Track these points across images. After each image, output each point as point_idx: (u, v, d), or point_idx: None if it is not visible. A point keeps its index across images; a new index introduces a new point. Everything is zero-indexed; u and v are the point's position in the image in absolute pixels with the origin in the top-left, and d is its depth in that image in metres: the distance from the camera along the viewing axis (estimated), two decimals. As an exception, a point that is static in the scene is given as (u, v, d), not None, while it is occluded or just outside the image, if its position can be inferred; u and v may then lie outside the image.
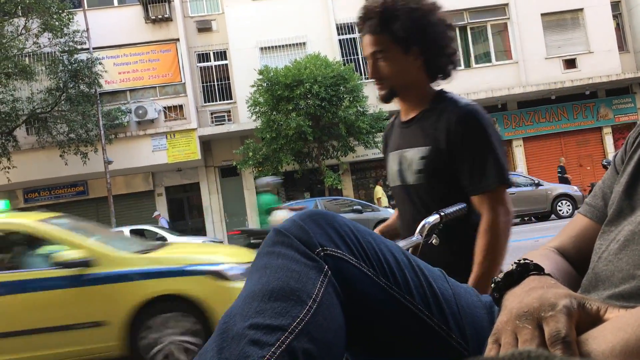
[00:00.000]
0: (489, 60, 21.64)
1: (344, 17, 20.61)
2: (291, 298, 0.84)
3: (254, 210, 19.28)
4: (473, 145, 1.76)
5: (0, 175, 18.48)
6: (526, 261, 0.84)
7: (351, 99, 18.20)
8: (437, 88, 1.95)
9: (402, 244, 1.53)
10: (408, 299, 0.95)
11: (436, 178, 1.83)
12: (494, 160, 1.75)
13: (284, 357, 0.78)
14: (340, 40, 20.91)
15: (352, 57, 20.71)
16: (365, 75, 20.58)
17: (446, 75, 1.94)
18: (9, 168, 18.15)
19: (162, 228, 17.08)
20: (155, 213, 20.16)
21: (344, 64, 19.08)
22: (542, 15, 21.22)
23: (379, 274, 0.95)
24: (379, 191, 19.04)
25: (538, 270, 0.83)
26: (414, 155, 1.87)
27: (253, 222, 20.01)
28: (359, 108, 18.25)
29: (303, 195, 20.73)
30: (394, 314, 0.95)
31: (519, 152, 21.95)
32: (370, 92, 19.53)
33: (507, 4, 21.32)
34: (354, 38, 20.92)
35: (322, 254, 0.92)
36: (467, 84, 20.48)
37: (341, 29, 20.94)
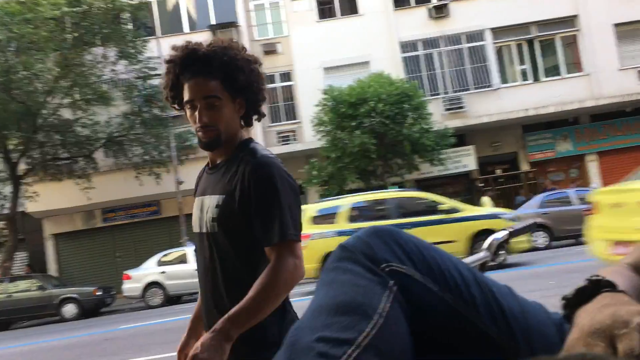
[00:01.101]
0: (558, 74, 21.02)
1: (407, 34, 20.61)
2: (357, 312, 0.86)
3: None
4: (260, 198, 1.75)
5: (81, 195, 19.43)
6: (598, 277, 0.83)
7: (415, 116, 18.08)
8: (245, 136, 1.94)
9: (469, 260, 1.53)
10: (474, 314, 0.95)
11: (229, 227, 1.80)
12: (279, 215, 1.73)
13: None
14: (403, 57, 20.89)
15: (416, 75, 20.63)
16: (429, 91, 20.45)
17: (259, 118, 1.98)
18: (89, 188, 19.10)
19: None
20: (185, 237, 19.34)
21: (408, 82, 19.01)
22: (616, 25, 20.45)
23: (444, 289, 0.96)
24: (486, 202, 17.80)
25: (611, 287, 0.81)
26: (211, 202, 1.85)
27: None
28: (423, 125, 18.09)
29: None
30: (460, 330, 0.95)
31: (593, 167, 21.11)
32: (435, 108, 19.38)
33: (576, 16, 20.70)
34: (417, 55, 20.86)
35: (387, 269, 0.94)
36: (536, 98, 19.97)
37: (405, 46, 20.93)
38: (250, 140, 1.94)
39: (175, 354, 1.94)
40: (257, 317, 1.66)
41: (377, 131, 17.55)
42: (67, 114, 19.07)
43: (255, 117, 1.97)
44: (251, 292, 1.66)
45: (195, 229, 1.93)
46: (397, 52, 20.86)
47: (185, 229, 19.10)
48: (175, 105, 1.93)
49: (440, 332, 0.95)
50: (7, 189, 18.52)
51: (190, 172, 20.11)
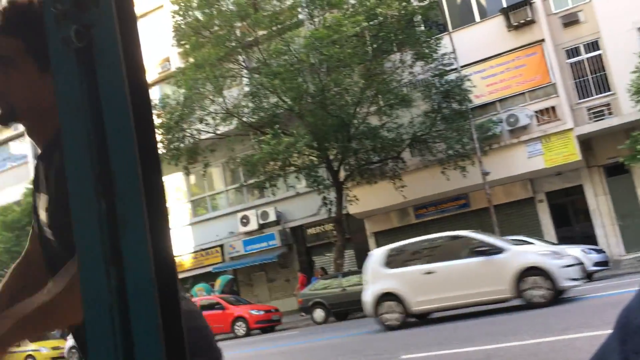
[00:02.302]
0: None
1: None
2: None
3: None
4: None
5: (394, 195, 20.77)
6: None
7: None
8: None
9: None
10: None
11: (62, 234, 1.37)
12: None
13: None
14: None
15: None
16: None
17: None
18: (401, 188, 20.30)
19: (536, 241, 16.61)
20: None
21: None
22: None
23: None
24: None
25: None
26: (42, 203, 1.46)
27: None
28: None
29: None
30: None
31: None
32: None
33: None
34: None
35: None
36: None
37: None
38: None
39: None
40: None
41: None
42: (374, 120, 20.59)
43: None
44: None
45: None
46: None
47: (496, 221, 18.82)
48: None
49: None
50: (332, 195, 20.81)
51: (495, 162, 19.80)
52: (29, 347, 23.44)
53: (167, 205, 1.06)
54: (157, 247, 1.01)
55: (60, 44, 0.86)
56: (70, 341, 22.49)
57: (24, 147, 32.64)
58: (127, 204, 0.92)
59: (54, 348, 23.55)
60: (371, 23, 19.08)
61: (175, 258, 1.12)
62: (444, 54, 19.71)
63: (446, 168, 19.82)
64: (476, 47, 20.79)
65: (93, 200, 0.89)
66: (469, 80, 19.67)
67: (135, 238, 0.94)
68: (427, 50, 19.58)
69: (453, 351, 7.21)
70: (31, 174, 31.34)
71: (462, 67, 20.23)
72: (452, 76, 19.81)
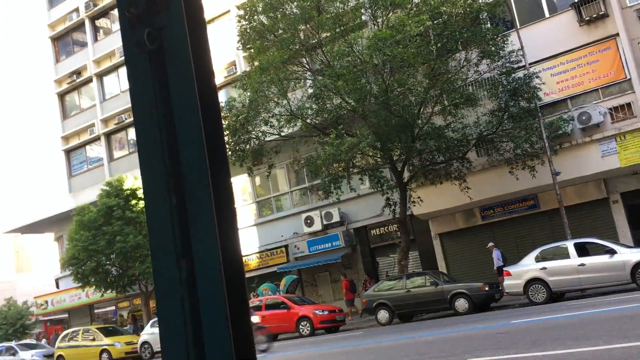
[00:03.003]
0: None
1: None
2: None
3: None
4: None
5: (460, 196, 20.41)
6: None
7: None
8: None
9: None
10: None
11: None
12: None
13: None
14: None
15: None
16: None
17: None
18: (466, 189, 19.92)
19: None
20: (490, 244, 20.22)
21: None
22: None
23: None
24: None
25: None
26: None
27: None
28: None
29: None
30: None
31: None
32: None
33: None
34: None
35: None
36: None
37: None
38: None
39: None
40: None
41: None
42: (438, 120, 20.30)
43: None
44: None
45: None
46: None
47: (567, 222, 18.16)
48: None
49: None
50: (396, 195, 20.66)
51: (566, 162, 19.14)
52: (104, 341, 24.48)
53: (234, 202, 1.10)
54: (225, 242, 1.05)
55: (134, 47, 0.91)
56: (143, 337, 23.32)
57: (99, 150, 34.15)
58: (197, 200, 0.96)
59: (128, 343, 24.48)
60: (435, 22, 18.82)
61: (242, 253, 1.15)
62: (512, 52, 19.20)
63: (514, 168, 19.30)
64: (545, 44, 20.15)
65: (165, 196, 0.94)
66: (538, 77, 19.08)
67: (205, 233, 0.98)
68: (493, 48, 19.12)
69: (520, 355, 7.02)
70: (107, 176, 32.65)
71: (530, 64, 19.65)
72: (520, 74, 19.28)
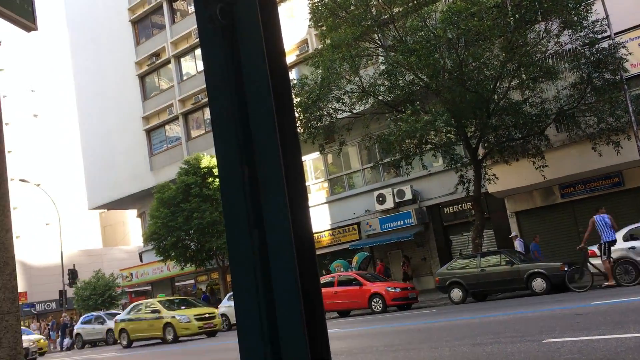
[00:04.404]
0: None
1: None
2: None
3: None
4: None
5: (537, 173, 19.70)
6: None
7: None
8: None
9: None
10: None
11: None
12: None
13: None
14: None
15: None
16: None
17: None
18: (543, 167, 19.21)
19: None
20: (513, 234, 20.10)
21: None
22: None
23: None
24: None
25: None
26: None
27: None
28: None
29: None
30: None
31: None
32: None
33: None
34: None
35: None
36: None
37: None
38: None
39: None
40: None
41: None
42: (515, 95, 19.60)
43: None
44: None
45: None
46: None
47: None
48: None
49: None
50: (470, 173, 20.22)
51: (656, 137, 18.03)
52: (168, 314, 24.85)
53: (304, 175, 1.12)
54: (295, 215, 1.08)
55: (207, 22, 0.94)
56: (221, 309, 24.01)
57: (178, 130, 35.34)
58: (268, 171, 0.99)
59: (197, 317, 23.21)
60: (513, -8, 18.10)
61: (312, 227, 1.18)
62: (595, 21, 18.19)
63: (597, 144, 18.41)
64: (633, 11, 18.96)
65: (237, 166, 0.97)
66: (624, 47, 18.02)
67: (276, 203, 1.01)
68: (575, 18, 18.16)
69: (600, 337, 6.78)
70: (185, 154, 33.73)
71: (616, 34, 18.56)
72: (604, 44, 18.26)
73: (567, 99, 19.06)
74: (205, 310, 21.74)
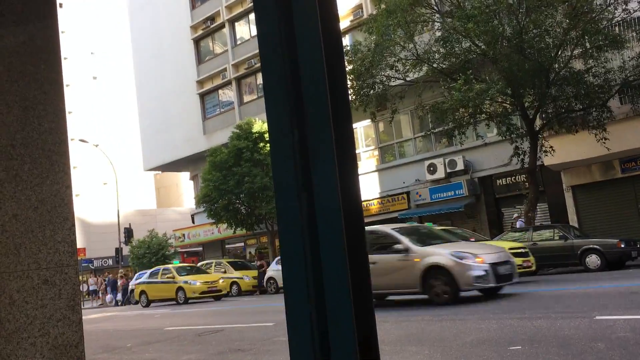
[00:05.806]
0: None
1: None
2: None
3: None
4: None
5: (597, 146, 18.97)
6: None
7: None
8: None
9: None
10: None
11: None
12: None
13: None
14: None
15: None
16: None
17: None
18: (604, 139, 18.50)
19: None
20: (515, 215, 19.55)
21: None
22: None
23: None
24: None
25: None
26: None
27: None
28: None
29: None
30: None
31: None
32: None
33: None
34: None
35: None
36: None
37: None
38: None
39: None
40: None
41: None
42: (578, 64, 18.83)
43: None
44: None
45: None
46: None
47: None
48: None
49: None
50: (525, 144, 19.69)
51: None
52: (234, 274, 26.17)
53: (354, 141, 1.12)
54: (344, 181, 1.08)
55: (261, -14, 0.94)
56: (269, 273, 24.62)
57: (231, 94, 35.69)
58: (318, 136, 0.99)
59: (254, 277, 26.03)
60: (580, -45, 17.23)
61: (360, 193, 1.18)
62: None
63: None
64: None
65: (287, 130, 0.98)
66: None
67: (325, 169, 1.02)
68: (647, -17, 17.22)
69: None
70: (237, 119, 34.09)
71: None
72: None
73: (632, 70, 18.19)
74: (211, 277, 24.88)
